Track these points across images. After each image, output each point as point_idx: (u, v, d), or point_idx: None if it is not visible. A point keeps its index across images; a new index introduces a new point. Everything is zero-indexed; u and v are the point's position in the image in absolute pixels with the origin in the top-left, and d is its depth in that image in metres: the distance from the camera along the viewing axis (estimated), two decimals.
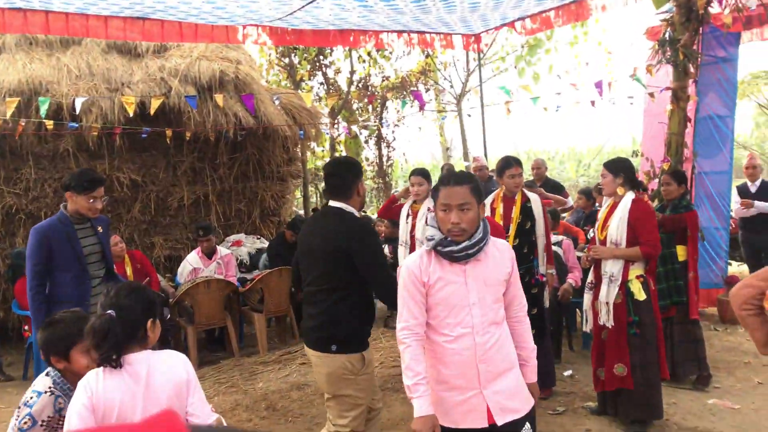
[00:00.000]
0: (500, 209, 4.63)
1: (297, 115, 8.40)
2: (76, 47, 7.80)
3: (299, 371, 5.67)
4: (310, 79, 13.42)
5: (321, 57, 13.04)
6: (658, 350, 4.04)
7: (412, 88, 13.47)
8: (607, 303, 4.02)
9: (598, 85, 6.53)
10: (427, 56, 13.91)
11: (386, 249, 6.83)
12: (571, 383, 5.03)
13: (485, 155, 8.44)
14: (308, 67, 13.10)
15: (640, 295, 3.96)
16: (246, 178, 8.35)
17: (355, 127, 12.99)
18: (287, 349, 6.34)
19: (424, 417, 2.29)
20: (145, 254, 6.71)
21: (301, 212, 11.16)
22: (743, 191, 6.95)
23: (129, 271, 5.93)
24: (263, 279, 6.37)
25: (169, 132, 7.02)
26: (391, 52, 13.49)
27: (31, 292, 3.72)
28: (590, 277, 4.30)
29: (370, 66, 13.62)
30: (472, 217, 2.35)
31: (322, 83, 13.50)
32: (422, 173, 5.51)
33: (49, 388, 2.41)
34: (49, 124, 6.38)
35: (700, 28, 5.67)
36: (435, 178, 10.06)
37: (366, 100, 13.52)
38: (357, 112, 14.41)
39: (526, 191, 4.72)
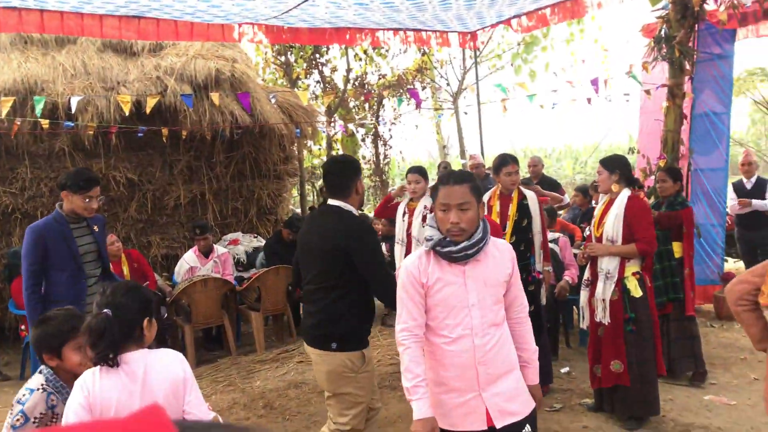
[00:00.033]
0: (497, 207, 4.64)
1: (293, 114, 8.40)
2: (72, 46, 7.78)
3: (296, 369, 5.67)
4: (306, 78, 13.41)
5: (317, 55, 13.02)
6: (654, 347, 4.05)
7: (408, 86, 13.46)
8: (603, 300, 4.03)
9: (594, 82, 6.54)
10: (423, 54, 13.91)
11: (384, 247, 6.84)
12: (568, 380, 5.03)
13: (482, 153, 8.45)
14: (304, 65, 13.09)
15: (637, 291, 3.97)
16: (243, 177, 8.35)
17: (351, 126, 12.99)
18: (284, 347, 6.34)
19: (424, 419, 2.26)
20: (141, 253, 6.71)
21: (298, 211, 11.16)
22: (739, 188, 6.97)
23: (126, 270, 5.92)
24: (260, 277, 6.37)
25: (165, 131, 7.01)
26: (387, 50, 13.48)
27: (27, 292, 3.71)
28: (587, 274, 4.30)
29: (366, 64, 13.62)
30: (471, 216, 2.32)
31: (318, 81, 13.49)
32: (419, 171, 5.51)
33: (42, 385, 2.42)
34: (45, 123, 6.37)
35: (696, 25, 5.69)
36: (432, 176, 10.06)
37: (362, 98, 13.51)
38: (354, 110, 14.40)
39: (522, 189, 4.72)
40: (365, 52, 13.21)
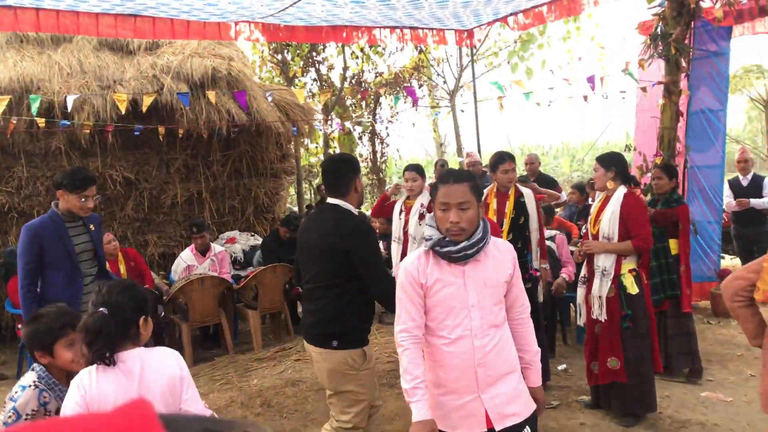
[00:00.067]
0: (494, 204, 4.64)
1: (290, 112, 8.39)
2: (68, 45, 7.76)
3: (294, 368, 5.68)
4: (303, 76, 13.40)
5: (314, 53, 13.02)
6: (651, 344, 4.06)
7: (405, 84, 13.46)
8: (599, 297, 4.04)
9: (591, 79, 6.55)
10: (420, 52, 13.91)
11: (381, 245, 6.84)
12: (565, 377, 5.05)
13: (478, 151, 8.45)
14: (301, 63, 13.08)
15: (633, 288, 3.98)
16: (239, 175, 8.34)
17: (348, 124, 12.98)
18: (282, 345, 6.34)
19: (423, 421, 2.24)
20: (138, 252, 6.70)
21: (295, 209, 11.16)
22: (735, 185, 6.99)
23: (123, 269, 5.92)
24: (257, 276, 6.37)
25: (161, 129, 7.00)
26: (384, 48, 13.48)
27: (23, 291, 3.71)
28: (583, 272, 4.31)
29: (363, 62, 13.61)
30: (471, 216, 2.29)
31: (315, 80, 13.48)
32: (416, 169, 5.52)
33: (34, 382, 2.42)
34: (41, 122, 6.35)
35: (692, 23, 5.69)
36: (429, 174, 10.01)
37: (359, 97, 13.51)
38: (351, 108, 14.40)
39: (519, 186, 4.72)
40: (362, 50, 13.21)
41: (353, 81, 13.63)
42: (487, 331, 2.31)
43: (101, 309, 2.09)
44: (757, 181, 6.87)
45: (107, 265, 4.33)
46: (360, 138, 14.63)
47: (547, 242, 5.35)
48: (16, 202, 7.04)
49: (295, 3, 5.36)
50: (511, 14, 6.78)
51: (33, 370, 2.47)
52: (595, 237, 4.14)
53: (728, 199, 6.91)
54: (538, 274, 4.70)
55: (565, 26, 13.84)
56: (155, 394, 2.10)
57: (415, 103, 8.78)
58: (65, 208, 3.82)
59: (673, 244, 4.87)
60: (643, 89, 6.46)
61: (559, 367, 5.23)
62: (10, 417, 2.33)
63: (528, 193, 4.69)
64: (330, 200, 3.12)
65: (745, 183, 6.92)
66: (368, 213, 9.06)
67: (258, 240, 7.84)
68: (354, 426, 3.04)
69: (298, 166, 10.64)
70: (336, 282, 3.01)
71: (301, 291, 3.30)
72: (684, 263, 4.82)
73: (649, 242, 3.98)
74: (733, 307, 2.44)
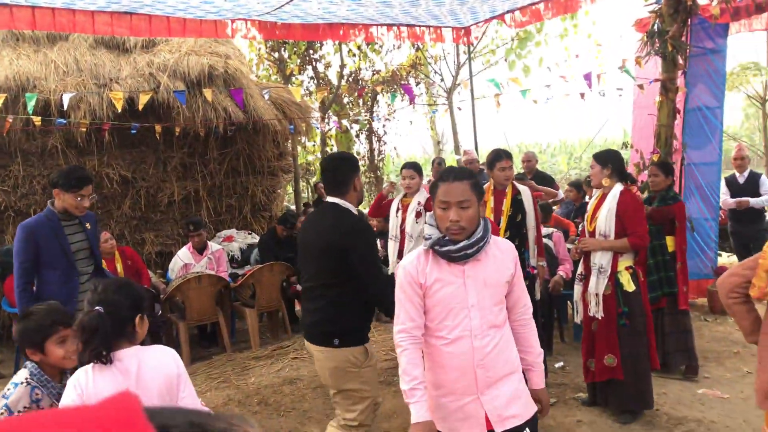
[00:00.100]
0: (491, 202, 4.64)
1: (287, 110, 8.39)
2: (63, 43, 7.74)
3: (291, 366, 5.68)
4: (300, 74, 13.39)
5: (311, 51, 13.00)
6: (647, 341, 4.07)
7: (402, 82, 13.46)
8: (596, 294, 4.04)
9: (587, 77, 6.55)
10: (417, 50, 13.90)
11: (378, 243, 6.84)
12: (562, 375, 5.05)
13: (476, 148, 8.45)
14: (298, 61, 13.07)
15: (630, 286, 3.99)
16: (236, 174, 8.34)
17: (345, 122, 12.98)
18: (279, 344, 6.34)
19: (421, 423, 2.20)
20: (135, 250, 6.69)
21: (293, 207, 11.15)
22: (731, 182, 7.00)
23: (120, 267, 5.91)
24: (255, 274, 6.36)
25: (158, 127, 6.99)
26: (381, 46, 13.47)
27: (18, 290, 3.70)
28: (580, 269, 4.32)
29: (360, 60, 13.60)
30: (471, 214, 2.24)
31: (312, 77, 13.47)
32: (414, 167, 5.51)
33: (26, 379, 2.42)
34: (37, 120, 6.34)
35: (689, 20, 5.70)
36: (426, 172, 9.99)
37: (356, 94, 13.51)
38: (348, 106, 14.40)
39: (516, 184, 4.73)
40: (359, 47, 13.20)
41: (350, 79, 13.62)
42: (486, 332, 2.27)
43: (97, 308, 2.08)
44: (753, 178, 6.89)
45: (104, 263, 4.32)
46: (357, 136, 14.62)
47: (545, 240, 5.35)
48: (13, 201, 7.03)
49: (290, 1, 5.36)
50: (508, 11, 6.79)
51: (25, 367, 2.47)
52: (592, 234, 4.14)
53: (725, 196, 6.92)
54: (535, 271, 4.70)
55: (563, 24, 13.84)
56: (152, 393, 2.10)
57: (412, 100, 8.78)
58: (61, 207, 3.81)
59: (669, 242, 4.87)
60: (640, 86, 6.46)
61: (557, 365, 5.24)
62: (2, 414, 2.33)
63: (525, 191, 4.69)
64: (329, 199, 3.12)
65: (741, 180, 6.93)
66: (365, 211, 9.06)
67: (255, 238, 7.84)
68: (360, 423, 3.04)
69: (295, 164, 10.64)
70: (335, 281, 3.00)
71: (301, 290, 3.30)
72: (680, 260, 4.83)
73: (645, 239, 3.99)
74: (728, 303, 2.45)
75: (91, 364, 2.08)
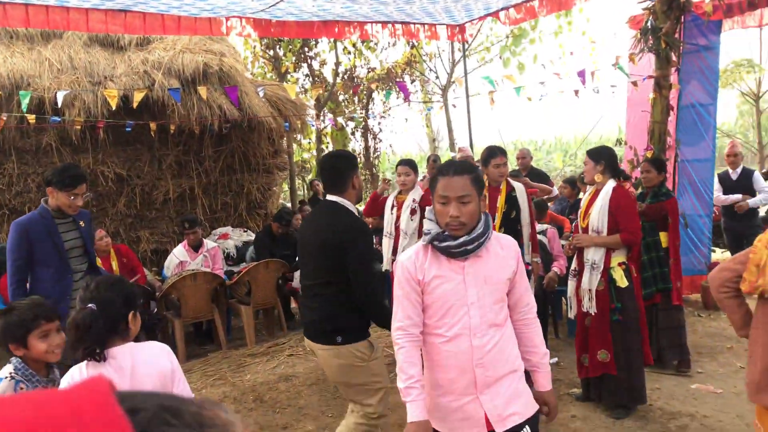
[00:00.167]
0: (485, 199, 4.66)
1: (282, 107, 8.39)
2: (58, 41, 7.73)
3: (287, 363, 5.69)
4: (295, 71, 13.39)
5: (306, 49, 13.00)
6: (640, 336, 4.09)
7: (397, 80, 13.47)
8: (589, 290, 4.06)
9: (581, 74, 6.57)
10: (412, 47, 13.91)
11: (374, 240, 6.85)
12: (556, 370, 5.07)
13: (471, 145, 8.46)
14: (293, 59, 13.06)
15: (623, 282, 4.00)
16: (232, 171, 8.34)
17: (341, 119, 12.98)
18: (275, 341, 6.35)
19: (417, 422, 2.14)
20: (131, 248, 6.68)
21: (288, 205, 11.15)
22: (724, 179, 7.03)
23: (115, 265, 5.90)
24: (250, 271, 6.37)
25: (153, 125, 6.98)
26: (376, 44, 13.48)
27: (12, 287, 3.70)
28: (573, 265, 4.34)
29: (355, 57, 13.61)
30: (472, 209, 2.16)
31: (307, 75, 13.47)
32: (409, 163, 5.53)
33: (10, 373, 2.42)
34: (32, 118, 6.33)
35: (682, 17, 5.72)
36: (422, 169, 10.02)
37: (351, 92, 13.51)
38: (343, 103, 14.40)
39: (511, 180, 4.74)
40: (354, 45, 13.20)
41: (346, 76, 13.62)
42: (486, 330, 2.20)
43: (90, 305, 2.08)
44: (746, 174, 6.91)
45: (99, 261, 4.32)
46: (353, 133, 14.63)
47: (539, 236, 5.37)
48: (7, 199, 7.02)
49: None
50: (502, 9, 6.79)
51: (10, 362, 2.47)
52: (585, 230, 4.16)
53: (717, 193, 6.95)
54: (529, 268, 4.72)
55: (557, 21, 13.87)
56: (147, 389, 2.10)
57: (407, 98, 8.78)
58: (55, 205, 3.81)
59: (663, 238, 4.90)
60: (634, 83, 6.48)
61: (551, 360, 5.23)
62: None
63: (519, 188, 4.71)
64: (328, 197, 3.12)
65: (734, 177, 6.96)
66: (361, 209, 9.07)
67: (251, 236, 7.84)
68: (379, 415, 3.04)
69: (290, 161, 10.63)
70: (334, 279, 2.98)
71: (301, 288, 3.30)
72: (673, 256, 4.85)
73: (638, 235, 4.01)
74: (720, 298, 2.47)
75: (85, 362, 2.09)
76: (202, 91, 6.75)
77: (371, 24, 6.89)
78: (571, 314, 4.43)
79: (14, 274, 3.71)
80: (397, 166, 5.57)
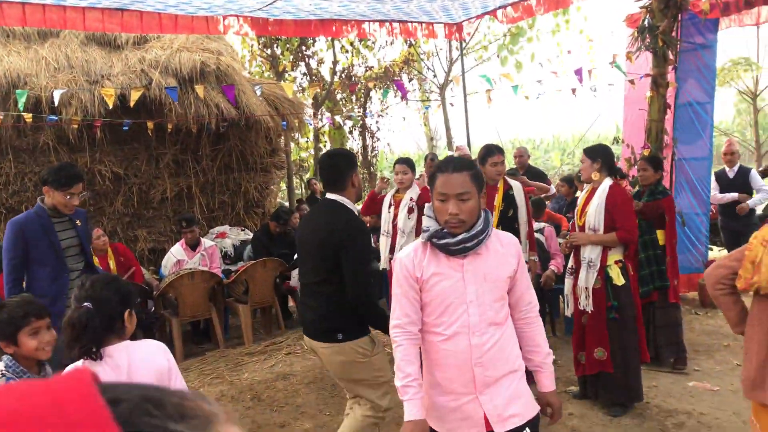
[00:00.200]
0: (485, 196, 4.66)
1: (279, 106, 8.39)
2: (55, 39, 7.72)
3: (284, 361, 5.69)
4: (293, 70, 13.38)
5: (303, 48, 13.00)
6: (637, 334, 4.10)
7: (395, 78, 13.47)
8: (586, 288, 4.07)
9: (578, 72, 6.57)
10: (410, 46, 13.91)
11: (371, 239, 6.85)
12: (554, 368, 5.07)
13: (468, 144, 8.47)
14: (291, 57, 13.06)
15: (619, 280, 4.01)
16: (229, 170, 8.33)
17: (338, 118, 12.97)
18: (272, 339, 6.35)
19: (413, 422, 2.12)
20: (128, 247, 6.68)
21: (286, 203, 11.15)
22: (721, 177, 7.04)
23: (112, 264, 5.90)
24: (248, 270, 6.36)
25: (150, 124, 6.98)
26: (373, 42, 13.47)
27: (8, 286, 3.70)
28: (570, 263, 4.34)
29: (352, 56, 13.60)
30: (471, 207, 2.13)
31: (305, 74, 13.46)
32: (406, 162, 5.53)
33: (1, 371, 2.42)
34: (28, 117, 6.32)
35: (679, 15, 5.72)
36: (420, 168, 9.99)
37: (349, 90, 13.51)
38: (341, 102, 14.40)
39: (508, 179, 4.74)
40: (352, 44, 13.20)
41: (343, 75, 13.62)
42: (486, 329, 2.16)
43: (86, 304, 2.08)
44: (743, 173, 6.92)
45: (96, 260, 4.32)
46: (350, 132, 14.63)
47: (536, 234, 5.38)
48: (4, 198, 7.01)
49: None
50: (499, 7, 6.79)
51: (1, 360, 2.47)
52: (582, 229, 4.16)
53: (714, 191, 6.96)
54: (527, 266, 4.71)
55: (555, 19, 13.88)
56: None
57: (404, 96, 8.78)
58: (51, 204, 3.81)
59: (660, 236, 4.90)
60: (631, 82, 6.49)
61: None
62: None
63: (517, 186, 4.71)
64: (328, 195, 3.12)
65: (731, 175, 6.96)
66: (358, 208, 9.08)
67: (248, 234, 7.84)
68: (386, 407, 3.05)
69: (288, 160, 10.63)
70: (333, 277, 2.98)
71: (300, 286, 3.30)
72: (670, 254, 4.86)
73: (634, 234, 4.01)
74: (715, 295, 2.47)
75: (81, 361, 2.09)
76: (200, 89, 6.75)
77: (369, 22, 6.88)
78: (568, 312, 4.44)
79: (10, 273, 3.71)
80: (394, 164, 5.58)
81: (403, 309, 2.23)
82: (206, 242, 6.72)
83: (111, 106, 6.39)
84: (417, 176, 5.81)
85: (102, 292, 2.12)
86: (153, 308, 5.95)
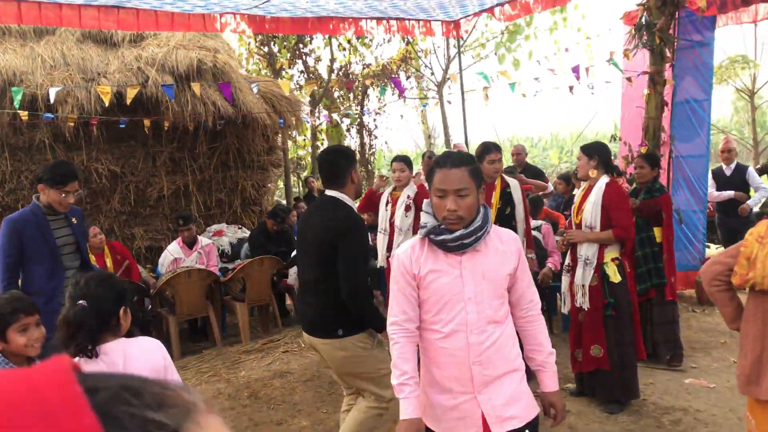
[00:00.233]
0: (484, 192, 4.65)
1: (276, 104, 8.37)
2: (50, 37, 7.70)
3: (282, 359, 5.69)
4: (290, 68, 13.37)
5: (301, 45, 12.98)
6: (634, 331, 4.11)
7: (392, 76, 13.46)
8: (582, 285, 4.07)
9: (576, 69, 6.57)
10: (407, 43, 13.90)
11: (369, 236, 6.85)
12: None
13: (466, 142, 8.46)
14: (288, 55, 13.04)
15: (616, 277, 4.01)
16: (226, 168, 8.32)
17: (336, 116, 12.96)
18: (269, 337, 6.34)
19: (408, 420, 2.10)
20: (125, 245, 6.67)
21: (284, 201, 11.14)
22: (718, 175, 7.05)
23: (109, 262, 5.89)
24: (244, 268, 6.36)
25: (147, 122, 6.96)
26: (371, 40, 13.46)
27: (3, 284, 3.68)
28: (567, 260, 4.35)
29: (350, 54, 13.59)
30: (470, 203, 2.09)
31: (302, 71, 13.45)
32: (404, 160, 5.53)
33: None
34: (24, 115, 6.30)
35: (676, 13, 5.72)
36: (417, 166, 10.00)
37: (346, 88, 13.50)
38: (338, 100, 14.39)
39: (505, 177, 4.74)
40: (349, 41, 13.18)
41: (340, 73, 13.61)
42: (484, 327, 2.12)
43: (81, 302, 2.07)
44: (740, 170, 6.93)
45: (93, 258, 4.30)
46: (348, 130, 14.61)
47: (534, 232, 5.38)
48: (0, 197, 6.99)
49: None
50: (497, 5, 6.79)
51: None
52: (579, 226, 4.16)
53: (711, 189, 6.97)
54: None
55: (552, 17, 13.87)
56: None
57: (401, 94, 8.77)
58: (47, 202, 3.80)
59: (657, 233, 4.91)
60: (629, 79, 6.48)
61: None
62: None
63: (514, 184, 4.71)
64: (327, 192, 3.13)
65: (728, 172, 6.97)
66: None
67: (245, 233, 7.83)
68: (390, 398, 3.01)
69: (285, 158, 10.62)
70: (332, 273, 2.97)
71: (299, 283, 3.29)
72: (667, 252, 4.86)
73: (630, 231, 4.01)
74: (711, 291, 2.48)
75: (77, 358, 2.08)
76: (196, 87, 6.73)
77: (366, 20, 6.88)
78: (565, 309, 4.44)
79: (5, 271, 3.69)
80: (392, 162, 5.58)
81: (401, 306, 2.20)
82: (203, 240, 6.71)
83: (107, 104, 6.38)
84: (414, 174, 5.80)
85: (96, 290, 2.12)
86: (150, 306, 5.95)
